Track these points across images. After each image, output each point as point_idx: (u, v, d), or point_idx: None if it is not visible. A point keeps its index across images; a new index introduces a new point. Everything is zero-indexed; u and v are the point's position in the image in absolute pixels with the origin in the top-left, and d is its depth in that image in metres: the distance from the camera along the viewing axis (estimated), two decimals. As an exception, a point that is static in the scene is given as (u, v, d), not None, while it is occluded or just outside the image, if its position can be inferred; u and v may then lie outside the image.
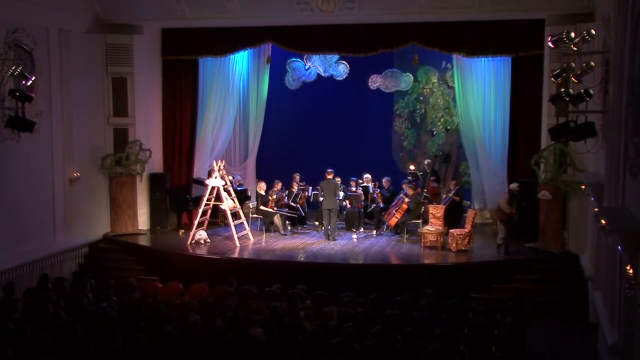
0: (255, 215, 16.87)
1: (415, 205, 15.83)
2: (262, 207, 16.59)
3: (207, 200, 15.49)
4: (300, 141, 19.78)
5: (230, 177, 16.74)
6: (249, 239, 15.78)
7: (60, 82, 14.68)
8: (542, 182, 14.25)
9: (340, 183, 16.71)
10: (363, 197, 16.97)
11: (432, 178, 17.23)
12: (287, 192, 17.27)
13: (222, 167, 15.63)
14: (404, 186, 16.48)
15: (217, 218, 17.49)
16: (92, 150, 15.83)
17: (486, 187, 17.15)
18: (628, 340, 7.57)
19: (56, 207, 14.73)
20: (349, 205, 17.09)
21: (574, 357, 10.65)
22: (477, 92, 17.02)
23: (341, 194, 16.74)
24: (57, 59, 14.59)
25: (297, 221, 17.06)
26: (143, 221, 16.86)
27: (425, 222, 15.63)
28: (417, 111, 19.28)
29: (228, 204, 15.62)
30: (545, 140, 14.51)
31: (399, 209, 15.86)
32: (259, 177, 18.72)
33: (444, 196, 16.88)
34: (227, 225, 15.81)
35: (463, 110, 17.34)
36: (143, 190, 16.82)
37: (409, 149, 19.43)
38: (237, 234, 15.32)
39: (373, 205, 16.98)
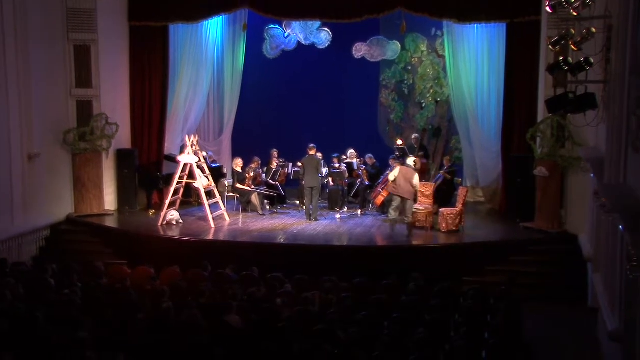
0: (231, 194, 16.82)
1: None
2: (238, 186, 16.53)
3: (179, 178, 15.42)
4: (280, 114, 19.73)
5: (204, 153, 16.70)
6: (225, 219, 15.74)
7: (15, 50, 14.35)
8: (538, 158, 14.31)
9: (323, 159, 16.67)
10: (347, 175, 16.95)
11: (420, 154, 17.25)
12: (265, 169, 17.23)
13: (195, 143, 15.56)
14: (390, 162, 16.31)
15: (190, 197, 17.50)
16: (53, 125, 15.63)
17: (479, 163, 17.26)
18: (629, 325, 7.61)
19: (14, 187, 14.51)
20: (332, 183, 17.11)
21: (572, 344, 10.71)
22: (470, 62, 17.02)
23: (324, 170, 16.75)
24: (12, 25, 14.21)
25: (277, 200, 17.05)
26: (110, 201, 16.77)
27: (414, 200, 15.59)
28: (405, 82, 19.27)
29: (202, 182, 15.56)
30: (542, 112, 14.53)
31: (385, 186, 15.73)
32: (235, 153, 18.69)
33: (434, 173, 16.89)
34: (201, 204, 15.76)
35: (454, 81, 17.34)
36: (110, 167, 16.71)
37: (396, 123, 19.45)
38: (211, 214, 15.28)
39: (358, 183, 16.98)
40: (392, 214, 14.50)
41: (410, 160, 14.70)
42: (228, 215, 15.93)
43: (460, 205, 14.62)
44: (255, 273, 11.49)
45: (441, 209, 14.83)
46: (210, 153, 18.13)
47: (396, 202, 14.46)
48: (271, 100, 19.81)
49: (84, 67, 15.95)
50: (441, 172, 16.46)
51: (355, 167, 17.10)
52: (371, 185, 16.61)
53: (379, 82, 19.58)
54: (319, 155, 16.42)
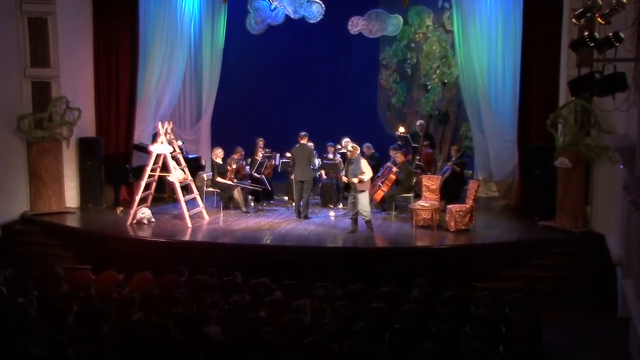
0: (211, 189, 16.80)
1: (405, 176, 15.86)
2: (219, 179, 16.50)
3: (151, 171, 15.37)
4: (266, 98, 19.75)
5: (180, 143, 16.68)
6: (203, 217, 15.74)
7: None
8: (559, 147, 14.29)
9: (315, 149, 16.68)
10: (342, 166, 16.76)
11: (425, 143, 17.28)
12: (249, 160, 17.19)
13: (169, 130, 15.52)
14: (391, 153, 16.58)
15: (163, 193, 17.49)
16: (5, 109, 15.52)
17: (492, 154, 17.27)
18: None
19: (-40, 181, 14.49)
20: (325, 176, 17.15)
21: (599, 358, 10.70)
22: (481, 37, 17.05)
23: (316, 162, 16.76)
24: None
25: (262, 196, 17.01)
26: (71, 197, 16.69)
27: (418, 196, 15.65)
28: (408, 61, 19.34)
29: (177, 175, 15.52)
30: (564, 95, 14.52)
31: (385, 180, 15.92)
32: (215, 142, 18.52)
33: (440, 164, 16.89)
34: (176, 201, 15.71)
35: (464, 60, 17.38)
36: (71, 158, 16.65)
37: (397, 108, 19.52)
38: (188, 211, 15.24)
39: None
40: (350, 213, 14.64)
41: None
42: (207, 212, 15.90)
43: (470, 201, 14.60)
44: (238, 279, 11.45)
45: (449, 206, 14.80)
46: (181, 146, 18.06)
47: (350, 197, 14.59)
48: (256, 83, 19.79)
49: (40, 43, 15.82)
50: (449, 163, 16.42)
51: (351, 159, 17.06)
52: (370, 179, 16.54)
53: (378, 61, 19.60)
54: (311, 144, 16.41)
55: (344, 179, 14.66)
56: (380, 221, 15.58)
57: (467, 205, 14.59)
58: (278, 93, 19.66)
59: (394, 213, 15.82)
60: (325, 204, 16.98)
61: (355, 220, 14.52)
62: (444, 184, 15.58)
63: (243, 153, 17.04)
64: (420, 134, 17.31)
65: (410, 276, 11.60)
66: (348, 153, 14.59)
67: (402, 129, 17.92)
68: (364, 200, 14.43)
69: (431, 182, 15.35)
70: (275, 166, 17.50)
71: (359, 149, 14.87)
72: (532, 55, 15.77)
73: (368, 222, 14.51)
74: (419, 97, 19.23)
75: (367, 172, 14.50)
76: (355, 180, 14.39)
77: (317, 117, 18.83)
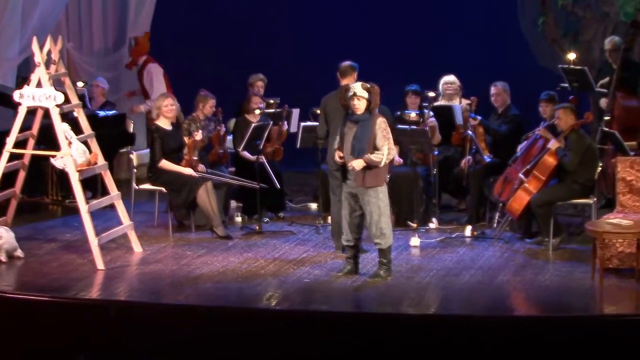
0: (149, 186, 16.87)
1: (578, 158, 15.52)
2: (165, 164, 16.34)
3: (15, 146, 15.19)
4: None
5: (80, 84, 17.08)
6: (132, 248, 15.54)
7: None
8: None
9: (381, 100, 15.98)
10: (439, 138, 16.69)
11: (620, 93, 16.92)
12: (232, 122, 17.89)
13: (56, 59, 15.20)
14: (543, 109, 16.76)
15: (44, 194, 18.01)
16: None
17: None
18: None
19: None
20: (398, 159, 16.68)
21: None
22: None
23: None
24: None
25: (261, 202, 16.84)
26: None
27: (608, 202, 15.79)
28: None
29: (74, 154, 15.04)
30: None
31: (533, 167, 15.79)
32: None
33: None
34: (73, 211, 15.51)
35: None
36: None
37: (562, 7, 19.48)
38: (98, 237, 14.74)
39: (467, 159, 17.10)
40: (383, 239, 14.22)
41: None
42: (139, 238, 15.65)
43: None
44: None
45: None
46: (103, 83, 18.48)
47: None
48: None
49: None
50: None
51: (459, 120, 16.88)
52: (498, 165, 16.69)
53: None
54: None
55: (337, 155, 14.12)
56: (522, 257, 15.45)
57: None
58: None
59: (552, 240, 15.40)
60: (400, 219, 16.64)
61: (353, 252, 14.68)
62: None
63: (218, 107, 17.09)
64: (614, 67, 17.07)
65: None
66: (355, 102, 14.07)
67: (571, 56, 17.70)
68: (381, 204, 14.04)
69: (638, 173, 14.40)
70: (290, 135, 17.33)
71: (376, 91, 14.25)
72: None
73: (384, 253, 14.14)
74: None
75: (384, 149, 14.05)
76: (355, 164, 13.85)
77: (382, 32, 19.30)
